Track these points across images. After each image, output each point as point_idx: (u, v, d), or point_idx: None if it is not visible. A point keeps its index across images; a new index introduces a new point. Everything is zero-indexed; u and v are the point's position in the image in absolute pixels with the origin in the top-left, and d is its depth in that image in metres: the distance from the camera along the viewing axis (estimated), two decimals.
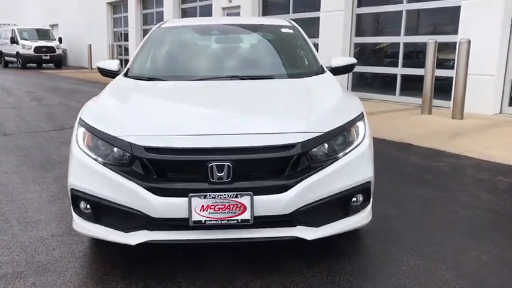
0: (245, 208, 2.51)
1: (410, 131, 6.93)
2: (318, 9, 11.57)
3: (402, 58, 10.21)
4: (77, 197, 2.71)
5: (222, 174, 2.50)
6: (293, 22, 4.49)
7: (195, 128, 2.68)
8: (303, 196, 2.57)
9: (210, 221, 2.52)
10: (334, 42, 11.10)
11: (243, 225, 2.56)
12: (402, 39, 10.18)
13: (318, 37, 11.53)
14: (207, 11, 16.09)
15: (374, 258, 2.97)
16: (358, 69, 10.83)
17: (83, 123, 2.88)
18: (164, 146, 2.58)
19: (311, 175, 2.61)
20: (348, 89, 11.28)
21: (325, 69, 3.88)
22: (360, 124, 2.93)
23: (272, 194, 2.54)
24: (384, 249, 3.07)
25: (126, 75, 3.76)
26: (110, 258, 2.95)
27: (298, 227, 2.67)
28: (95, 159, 2.67)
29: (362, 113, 3.03)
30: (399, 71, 10.30)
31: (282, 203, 2.54)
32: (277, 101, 3.09)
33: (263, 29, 4.42)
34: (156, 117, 2.85)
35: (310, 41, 4.15)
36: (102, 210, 2.67)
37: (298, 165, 2.63)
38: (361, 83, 11.34)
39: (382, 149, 5.78)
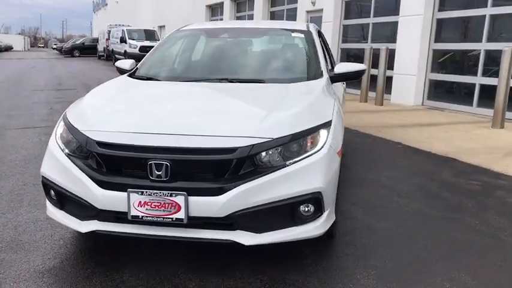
0: (179, 207, 2.58)
1: (464, 145, 6.45)
2: (398, 14, 11.14)
3: (482, 66, 9.46)
4: (45, 184, 2.96)
5: (160, 172, 2.59)
6: (311, 26, 4.42)
7: (145, 126, 2.79)
8: (239, 200, 2.57)
9: (147, 217, 2.62)
10: (412, 48, 10.61)
11: (178, 224, 2.62)
12: (483, 46, 9.44)
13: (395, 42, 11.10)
14: (293, 14, 16.19)
15: (328, 272, 2.86)
16: (435, 77, 10.25)
17: (65, 117, 3.13)
18: (112, 141, 2.73)
19: (251, 180, 2.60)
20: (423, 98, 10.71)
21: (325, 74, 3.79)
22: (322, 132, 2.86)
23: (207, 196, 2.57)
24: (343, 265, 2.95)
25: (131, 74, 3.98)
26: (78, 244, 3.16)
27: (238, 231, 2.67)
28: (62, 150, 2.89)
29: (329, 122, 2.95)
30: (478, 80, 9.56)
31: (217, 205, 2.56)
32: (242, 105, 3.10)
33: (272, 33, 4.42)
34: (121, 115, 3.01)
35: (320, 46, 4.07)
36: (64, 198, 2.88)
37: (241, 169, 2.62)
38: (438, 92, 10.69)
39: (420, 163, 5.47)
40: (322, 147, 2.81)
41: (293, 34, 4.32)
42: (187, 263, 2.93)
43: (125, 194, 2.63)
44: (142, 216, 2.62)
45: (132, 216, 2.64)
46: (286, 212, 2.71)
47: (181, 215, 2.59)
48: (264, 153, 2.68)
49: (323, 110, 3.06)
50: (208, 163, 2.61)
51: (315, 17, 14.86)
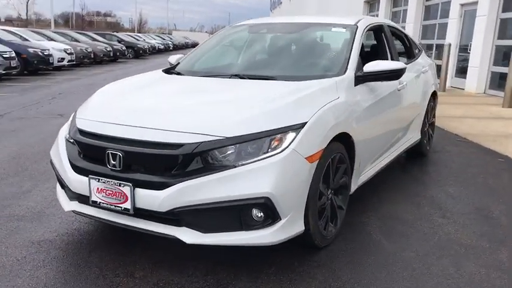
0: (127, 198, 2.67)
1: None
2: None
3: None
4: (51, 164, 3.32)
5: (115, 162, 2.71)
6: (362, 21, 4.06)
7: (114, 117, 2.93)
8: (181, 197, 2.56)
9: (103, 203, 2.77)
10: None
11: (127, 213, 2.71)
12: None
13: None
14: (448, 9, 14.86)
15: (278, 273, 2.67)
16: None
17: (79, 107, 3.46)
18: (84, 128, 2.94)
19: (195, 178, 2.56)
20: None
21: (349, 73, 3.47)
22: (289, 135, 2.67)
23: (151, 189, 2.61)
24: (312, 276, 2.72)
25: (168, 69, 4.17)
26: (91, 227, 3.47)
27: (183, 228, 2.66)
28: (65, 136, 3.21)
29: (301, 124, 2.73)
30: None
31: (158, 199, 2.59)
32: (220, 102, 3.02)
33: (313, 28, 4.16)
34: (106, 106, 3.19)
35: (359, 43, 3.74)
36: (59, 180, 3.20)
37: (189, 166, 2.61)
38: None
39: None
40: (282, 150, 2.61)
41: (333, 29, 4.03)
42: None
43: (87, 179, 2.80)
44: (100, 202, 2.77)
45: (92, 201, 2.81)
46: (233, 214, 2.61)
47: (128, 205, 2.67)
48: (217, 152, 2.60)
49: (302, 111, 2.83)
50: (156, 157, 2.64)
51: (469, 11, 13.43)
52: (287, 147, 2.64)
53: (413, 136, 4.88)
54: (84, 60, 20.10)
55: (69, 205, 3.05)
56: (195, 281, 2.67)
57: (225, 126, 2.67)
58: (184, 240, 2.62)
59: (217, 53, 4.38)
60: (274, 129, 2.67)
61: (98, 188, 2.77)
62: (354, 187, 3.49)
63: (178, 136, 2.63)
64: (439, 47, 14.82)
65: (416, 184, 4.49)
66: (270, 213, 2.59)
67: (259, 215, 2.61)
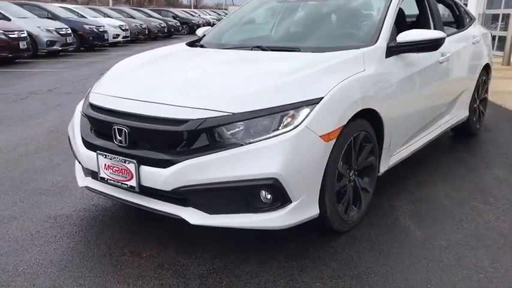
0: (132, 175, 2.57)
1: None
2: None
3: None
4: (68, 140, 3.28)
5: (121, 138, 2.61)
6: None
7: (124, 91, 2.82)
8: (185, 175, 2.43)
9: (110, 180, 2.69)
10: None
11: (133, 191, 2.62)
12: None
13: None
14: None
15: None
16: None
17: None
18: (94, 103, 2.86)
19: (200, 156, 2.42)
20: None
21: (380, 44, 3.17)
22: (303, 111, 2.47)
23: (155, 166, 2.50)
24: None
25: (193, 41, 4.02)
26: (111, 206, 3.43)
27: (189, 208, 2.54)
28: (81, 111, 3.16)
29: (316, 99, 2.51)
30: None
31: (162, 177, 2.47)
32: (233, 76, 2.83)
33: None
34: (119, 80, 3.09)
35: (394, 10, 3.41)
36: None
37: (194, 143, 2.47)
38: None
39: None
40: (294, 127, 2.41)
41: None
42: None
43: (95, 155, 2.73)
44: (107, 179, 2.70)
45: (100, 177, 2.74)
46: (240, 196, 2.45)
47: (133, 182, 2.57)
48: (224, 129, 2.44)
49: (319, 85, 2.60)
50: (160, 133, 2.51)
51: None
52: (299, 124, 2.43)
53: (459, 113, 4.48)
54: (139, 37, 20.42)
55: (84, 181, 3.01)
56: (202, 264, 2.55)
57: (233, 101, 2.49)
58: (189, 221, 2.49)
59: (242, 25, 4.17)
60: (286, 105, 2.47)
61: (105, 165, 2.68)
62: (383, 168, 3.22)
63: (183, 112, 2.49)
64: (506, 18, 13.76)
65: (460, 166, 4.13)
66: (279, 196, 2.41)
67: (268, 197, 2.43)
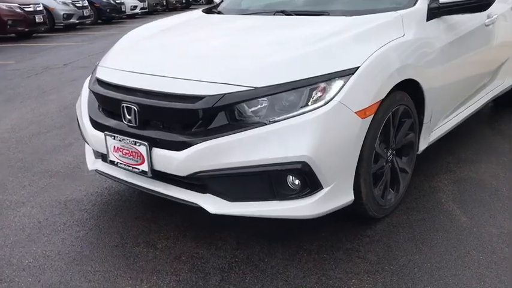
0: (143, 159, 2.31)
1: None
2: None
3: None
4: (76, 119, 3.03)
5: (131, 117, 2.34)
6: None
7: (136, 64, 2.54)
8: (201, 160, 2.15)
9: (120, 163, 2.43)
10: None
11: (146, 176, 2.36)
12: None
13: None
14: None
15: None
16: None
17: None
18: (103, 78, 2.59)
19: (218, 137, 2.13)
20: None
21: (420, 5, 2.79)
22: (335, 83, 2.14)
23: (169, 149, 2.22)
24: None
25: (210, 8, 3.69)
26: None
27: (207, 195, 2.27)
28: (89, 86, 2.88)
29: (351, 69, 2.18)
30: None
31: (176, 162, 2.20)
32: (253, 45, 2.51)
33: None
34: (131, 52, 2.81)
35: None
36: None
37: (212, 123, 2.17)
38: None
39: None
40: (326, 103, 2.09)
41: None
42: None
43: (103, 136, 2.47)
44: (117, 163, 2.44)
45: (109, 160, 2.48)
46: (264, 181, 2.16)
47: (145, 167, 2.31)
48: (245, 106, 2.14)
49: (354, 53, 2.26)
50: (173, 112, 2.23)
51: None
52: (332, 99, 2.11)
53: (503, 82, 4.06)
54: (157, 8, 20.05)
55: (94, 164, 2.76)
56: (222, 256, 2.29)
57: (255, 73, 2.18)
58: (207, 210, 2.22)
59: None
60: (316, 77, 2.15)
61: (114, 147, 2.42)
62: (423, 146, 2.88)
63: (198, 87, 2.19)
64: None
65: (504, 141, 3.75)
66: (309, 181, 2.11)
67: (296, 183, 2.14)
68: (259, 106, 2.15)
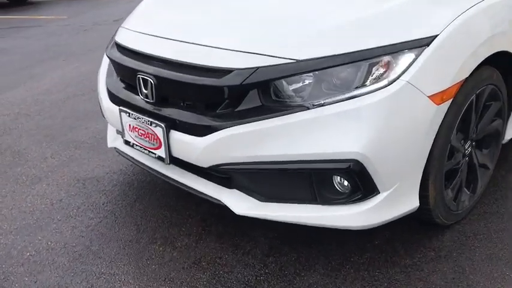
0: (160, 143, 1.92)
1: None
2: None
3: None
4: None
5: (147, 91, 1.93)
6: None
7: (158, 26, 2.11)
8: (225, 149, 1.73)
9: (136, 145, 2.06)
10: None
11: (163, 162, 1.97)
12: None
13: None
14: None
15: None
16: None
17: None
18: (122, 43, 2.19)
19: (247, 122, 1.69)
20: None
21: None
22: (403, 58, 1.63)
23: (189, 134, 1.81)
24: None
25: None
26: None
27: (234, 191, 1.86)
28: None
29: (427, 39, 1.65)
30: None
31: (196, 150, 1.79)
32: (295, 6, 1.98)
33: None
34: (162, 11, 2.34)
35: None
36: None
37: (241, 103, 1.73)
38: None
39: None
40: (390, 83, 1.58)
41: None
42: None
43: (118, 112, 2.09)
44: (133, 144, 2.07)
45: (125, 140, 2.11)
46: (304, 180, 1.70)
47: (162, 152, 1.92)
48: (284, 84, 1.67)
49: (428, 18, 1.72)
50: (194, 88, 1.79)
51: None
52: (398, 77, 1.60)
53: None
54: None
55: (114, 141, 2.41)
56: (250, 264, 1.89)
57: (297, 42, 1.69)
58: (232, 209, 1.80)
59: None
60: (378, 48, 1.63)
61: (130, 125, 2.04)
62: (510, 134, 2.30)
63: (225, 57, 1.73)
64: None
65: None
66: (361, 184, 1.64)
67: (345, 185, 1.66)
68: (301, 84, 1.67)
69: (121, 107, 2.05)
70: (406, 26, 1.67)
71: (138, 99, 1.99)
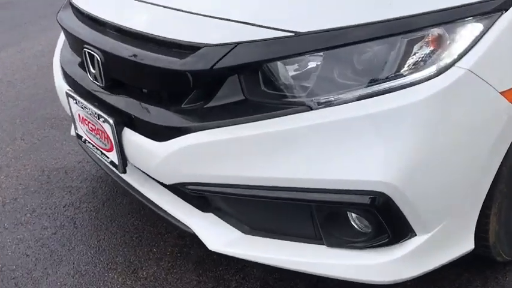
0: (111, 144, 1.38)
1: None
2: None
3: None
4: None
5: (95, 71, 1.39)
6: None
7: None
8: (193, 163, 1.20)
9: (89, 142, 1.54)
10: None
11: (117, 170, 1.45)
12: None
13: None
14: None
15: None
16: None
17: None
18: (76, 3, 1.62)
19: (226, 125, 1.14)
20: None
21: None
22: (465, 30, 1.02)
23: (145, 136, 1.27)
24: None
25: None
26: None
27: (210, 215, 1.32)
28: None
29: (498, 5, 1.02)
30: None
31: (154, 160, 1.25)
32: None
33: None
34: None
35: None
36: None
37: (215, 95, 1.18)
38: None
39: None
40: (439, 72, 0.99)
41: None
42: None
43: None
44: (86, 140, 1.55)
45: (76, 134, 1.60)
46: (302, 212, 1.16)
47: (114, 157, 1.39)
48: (278, 67, 1.10)
49: None
50: (149, 70, 1.23)
51: None
52: (454, 63, 0.99)
53: None
54: None
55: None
56: None
57: (298, 8, 1.09)
58: (204, 242, 1.27)
59: None
60: (420, 16, 1.01)
61: (79, 115, 1.52)
62: None
63: (194, 27, 1.16)
64: None
65: None
66: (389, 225, 1.07)
67: (365, 224, 1.10)
68: (301, 71, 1.09)
69: (68, 90, 1.52)
70: None
71: (88, 82, 1.46)
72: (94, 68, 1.38)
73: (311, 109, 1.06)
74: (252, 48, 1.09)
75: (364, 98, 1.03)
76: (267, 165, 1.09)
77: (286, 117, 1.08)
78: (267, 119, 1.10)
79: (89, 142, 1.53)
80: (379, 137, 1.01)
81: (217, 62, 1.10)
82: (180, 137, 1.19)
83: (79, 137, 1.60)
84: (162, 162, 1.23)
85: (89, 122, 1.47)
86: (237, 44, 1.09)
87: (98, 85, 1.40)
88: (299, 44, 1.06)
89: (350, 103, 1.04)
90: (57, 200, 1.94)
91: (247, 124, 1.12)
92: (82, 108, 1.47)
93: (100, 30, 1.40)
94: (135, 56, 1.24)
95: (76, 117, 1.55)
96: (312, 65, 1.09)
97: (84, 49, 1.40)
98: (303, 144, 1.06)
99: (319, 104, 1.06)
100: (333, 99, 1.06)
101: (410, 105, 1.00)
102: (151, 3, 1.30)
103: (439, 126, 1.01)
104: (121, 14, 1.37)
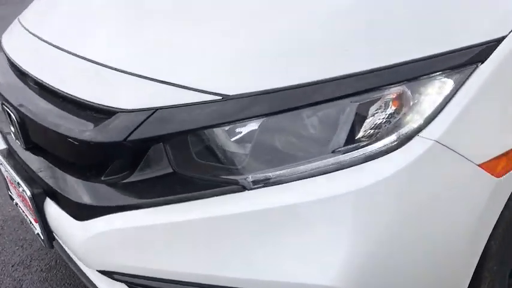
0: (35, 216, 1.19)
1: None
2: None
3: None
4: None
5: (15, 131, 1.21)
6: None
7: (49, 24, 1.35)
8: (113, 250, 0.99)
9: (19, 207, 1.35)
10: None
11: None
12: None
13: None
14: None
15: None
16: None
17: None
18: (5, 46, 1.44)
19: (148, 205, 0.94)
20: None
21: None
22: (432, 87, 0.84)
23: (67, 212, 1.08)
24: None
25: None
26: None
27: None
28: None
29: (483, 49, 0.82)
30: None
31: (75, 241, 1.05)
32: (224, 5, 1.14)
33: None
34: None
35: None
36: None
37: (139, 167, 0.97)
38: None
39: None
40: (400, 142, 0.78)
41: None
42: None
43: None
44: (17, 204, 1.36)
45: (10, 196, 1.41)
46: None
47: (39, 229, 1.19)
48: (207, 136, 0.89)
49: (482, 14, 0.86)
50: (61, 137, 1.03)
51: None
52: (419, 131, 0.78)
53: None
54: None
55: None
56: None
57: (227, 66, 0.88)
58: None
59: None
60: (375, 72, 0.80)
61: (7, 177, 1.33)
62: None
63: (108, 87, 0.97)
64: None
65: None
66: None
67: None
68: (235, 140, 0.88)
69: None
70: (440, 25, 0.83)
71: (13, 142, 1.27)
72: (13, 126, 1.20)
73: (244, 189, 0.86)
74: (173, 114, 0.89)
75: (304, 178, 0.82)
76: (190, 259, 0.89)
77: (215, 198, 0.88)
78: (194, 199, 0.90)
79: (19, 207, 1.34)
80: (323, 229, 0.80)
81: (132, 132, 0.90)
82: (99, 218, 0.99)
83: (11, 198, 1.41)
84: (82, 245, 1.03)
85: (16, 188, 1.28)
86: (156, 109, 0.89)
87: (20, 146, 1.21)
88: (228, 110, 0.86)
89: (288, 184, 0.83)
90: (6, 258, 1.75)
91: (171, 206, 0.92)
92: (6, 171, 1.28)
93: (17, 81, 1.21)
94: (45, 117, 1.05)
95: (6, 177, 1.36)
96: (245, 134, 0.88)
97: (3, 105, 1.21)
98: (233, 235, 0.86)
99: (254, 183, 0.85)
100: (271, 175, 0.85)
101: (364, 189, 0.79)
102: (67, 51, 1.11)
103: (399, 214, 0.80)
104: (35, 62, 1.18)
